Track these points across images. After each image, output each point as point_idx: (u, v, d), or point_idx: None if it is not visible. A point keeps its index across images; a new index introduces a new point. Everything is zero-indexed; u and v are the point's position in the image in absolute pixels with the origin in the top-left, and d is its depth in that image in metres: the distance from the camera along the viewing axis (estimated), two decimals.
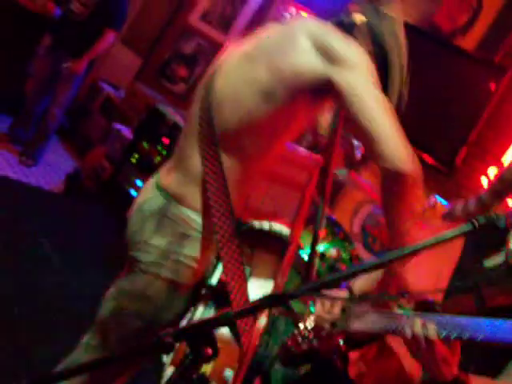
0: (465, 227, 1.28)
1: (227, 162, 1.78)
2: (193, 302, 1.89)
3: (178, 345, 1.11)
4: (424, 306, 1.63)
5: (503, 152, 3.77)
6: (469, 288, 1.70)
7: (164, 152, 4.98)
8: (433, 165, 4.08)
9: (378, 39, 1.89)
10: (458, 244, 1.90)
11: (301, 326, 2.03)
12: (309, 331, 1.97)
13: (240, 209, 1.84)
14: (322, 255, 3.20)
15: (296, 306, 2.62)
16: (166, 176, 1.91)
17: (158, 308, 1.85)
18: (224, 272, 1.74)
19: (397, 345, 1.68)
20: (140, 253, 1.84)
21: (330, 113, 2.09)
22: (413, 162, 1.65)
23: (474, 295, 1.67)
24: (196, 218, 1.81)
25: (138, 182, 4.97)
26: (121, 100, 6.27)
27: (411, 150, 1.67)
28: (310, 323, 1.99)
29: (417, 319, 1.46)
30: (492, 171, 3.70)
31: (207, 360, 1.11)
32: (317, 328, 1.92)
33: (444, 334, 1.42)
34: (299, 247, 2.97)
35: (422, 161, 4.18)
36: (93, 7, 5.17)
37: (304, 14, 5.35)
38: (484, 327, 1.41)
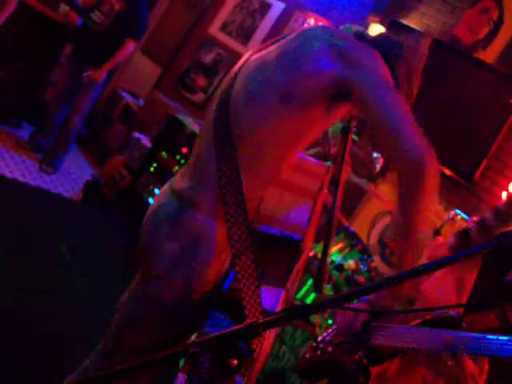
0: (492, 242, 1.27)
1: (243, 167, 1.77)
2: (205, 309, 1.88)
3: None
4: (449, 322, 1.62)
5: None
6: (491, 304, 1.69)
7: (182, 161, 4.99)
8: (452, 178, 4.07)
9: (392, 56, 1.90)
10: (477, 258, 1.89)
11: (319, 338, 2.02)
12: (328, 344, 1.96)
13: (252, 215, 1.84)
14: (340, 267, 3.19)
15: (314, 317, 2.61)
16: (180, 181, 1.90)
17: (171, 314, 1.84)
18: (237, 279, 1.73)
19: (420, 359, 1.67)
20: (153, 259, 1.84)
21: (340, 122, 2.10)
22: (433, 156, 1.66)
23: (497, 311, 1.66)
24: (210, 224, 1.80)
25: (156, 191, 4.99)
26: (140, 109, 6.31)
27: (431, 145, 1.67)
28: (329, 336, 1.99)
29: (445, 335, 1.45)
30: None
31: (233, 372, 1.10)
32: (337, 341, 1.91)
33: (473, 351, 1.40)
34: (314, 256, 2.96)
35: (441, 174, 4.17)
36: (114, 17, 5.23)
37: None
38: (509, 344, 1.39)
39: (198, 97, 6.45)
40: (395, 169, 1.71)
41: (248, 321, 1.11)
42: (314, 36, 1.82)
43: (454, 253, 1.90)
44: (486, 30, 4.33)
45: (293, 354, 2.78)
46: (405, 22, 4.68)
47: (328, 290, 3.18)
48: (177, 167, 5.01)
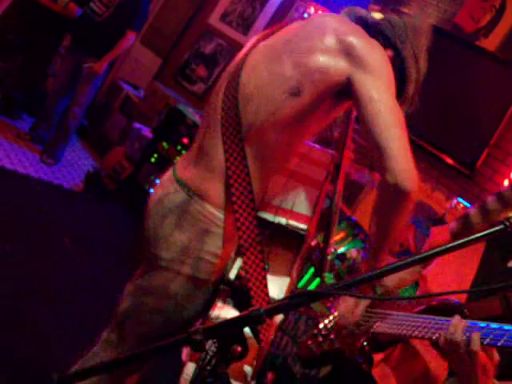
0: (496, 227, 1.26)
1: (250, 157, 1.78)
2: (212, 298, 1.89)
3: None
4: (451, 309, 1.61)
5: None
6: (494, 291, 1.68)
7: (183, 152, 4.99)
8: (454, 166, 4.05)
9: (396, 39, 1.90)
10: (480, 245, 1.88)
11: (321, 325, 2.02)
12: (330, 331, 1.96)
13: (258, 204, 1.84)
14: (343, 256, 3.19)
15: (316, 305, 2.61)
16: (185, 170, 1.90)
17: (179, 305, 1.84)
18: (245, 268, 1.74)
19: (422, 346, 1.66)
20: (160, 249, 1.83)
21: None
22: (418, 182, 1.68)
23: (500, 299, 1.65)
24: (218, 214, 1.80)
25: (158, 182, 4.98)
26: (140, 100, 6.30)
27: (416, 167, 1.69)
28: (331, 323, 1.98)
29: (459, 327, 1.43)
30: None
31: (237, 358, 1.11)
32: (339, 328, 1.91)
33: (487, 341, 1.38)
34: (317, 245, 2.96)
35: (443, 162, 4.16)
36: (114, 8, 5.21)
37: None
38: None
39: (199, 87, 6.44)
40: (380, 182, 1.73)
41: (250, 309, 1.12)
42: (323, 28, 1.81)
43: (454, 238, 1.89)
44: (487, 18, 4.30)
45: (295, 343, 2.79)
46: (405, 10, 4.66)
47: (330, 279, 3.18)
48: (178, 158, 5.00)
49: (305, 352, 2.02)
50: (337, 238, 3.36)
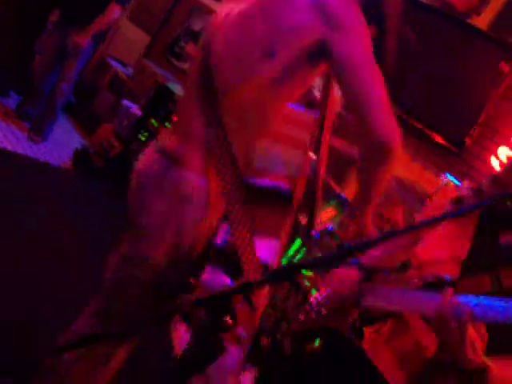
0: (485, 200, 1.27)
1: (230, 120, 1.76)
2: (200, 264, 1.88)
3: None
4: (442, 285, 1.63)
5: None
6: (485, 267, 1.69)
7: None
8: (443, 145, 4.07)
9: None
10: (472, 221, 1.89)
11: (312, 299, 2.03)
12: (322, 306, 1.97)
13: (243, 168, 1.82)
14: (332, 233, 3.19)
15: (306, 279, 2.61)
16: (166, 139, 1.89)
17: (162, 272, 1.84)
18: (232, 234, 1.73)
19: (413, 320, 1.68)
20: (141, 216, 1.83)
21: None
22: (399, 136, 1.67)
23: (491, 275, 1.66)
24: (200, 181, 1.79)
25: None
26: (129, 77, 6.23)
27: (398, 122, 1.68)
28: (321, 298, 1.99)
29: (449, 300, 1.45)
30: (502, 151, 3.68)
31: (227, 329, 1.11)
32: (330, 303, 1.92)
33: (476, 316, 1.40)
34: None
35: (432, 141, 4.16)
36: None
37: None
38: (505, 308, 1.40)
39: (188, 65, 6.38)
40: (361, 140, 1.74)
41: (241, 280, 1.12)
42: None
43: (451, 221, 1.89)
44: None
45: (284, 318, 2.79)
46: None
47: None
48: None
49: (297, 327, 2.03)
50: (326, 215, 3.36)
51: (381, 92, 1.67)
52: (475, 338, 1.45)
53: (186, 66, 6.40)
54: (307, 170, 1.98)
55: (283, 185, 1.88)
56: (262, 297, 1.85)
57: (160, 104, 5.14)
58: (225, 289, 1.16)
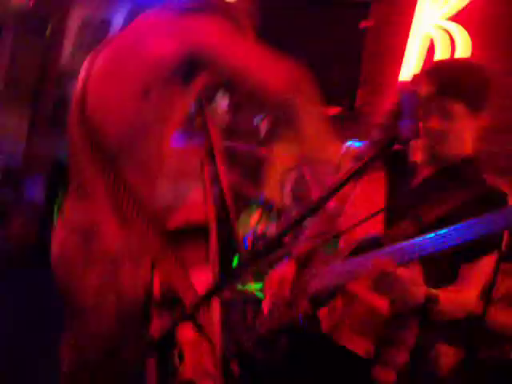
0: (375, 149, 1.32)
1: (130, 176, 1.74)
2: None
3: None
4: (372, 243, 1.68)
5: (394, 80, 3.88)
6: (405, 213, 1.75)
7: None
8: (338, 115, 4.16)
9: None
10: (380, 175, 1.95)
11: (263, 302, 2.02)
12: (273, 309, 1.96)
13: (154, 215, 1.80)
14: (263, 236, 3.20)
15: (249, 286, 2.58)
16: (73, 213, 1.86)
17: (114, 341, 1.79)
18: (167, 277, 1.72)
19: (358, 288, 1.71)
20: (79, 299, 1.80)
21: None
22: (295, 78, 1.71)
23: (411, 218, 1.73)
24: (119, 240, 1.75)
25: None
26: (19, 167, 6.01)
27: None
28: (269, 302, 1.98)
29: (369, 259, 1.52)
30: (389, 100, 3.80)
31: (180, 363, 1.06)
32: (277, 303, 1.92)
33: (399, 262, 1.49)
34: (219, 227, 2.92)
35: (328, 115, 4.23)
36: None
37: None
38: (431, 241, 1.47)
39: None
40: (270, 107, 1.75)
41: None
42: (145, 21, 1.79)
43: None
44: None
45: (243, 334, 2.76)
46: None
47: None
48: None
49: (258, 334, 2.01)
50: (253, 221, 3.36)
51: (257, 54, 1.71)
52: (412, 275, 1.53)
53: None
54: (210, 191, 1.96)
55: (193, 215, 1.86)
56: (216, 323, 1.83)
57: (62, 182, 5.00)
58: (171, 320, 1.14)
